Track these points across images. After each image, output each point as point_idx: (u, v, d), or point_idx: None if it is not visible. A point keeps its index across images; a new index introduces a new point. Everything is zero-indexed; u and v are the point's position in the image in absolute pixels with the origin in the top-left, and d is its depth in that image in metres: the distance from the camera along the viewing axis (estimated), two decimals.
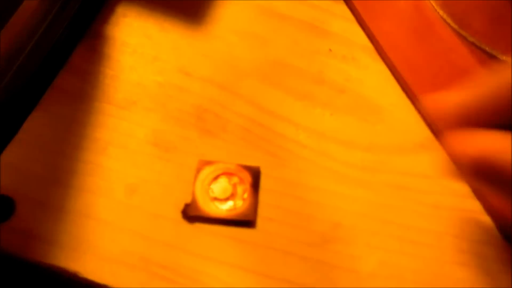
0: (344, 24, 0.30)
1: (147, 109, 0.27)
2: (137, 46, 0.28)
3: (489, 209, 0.25)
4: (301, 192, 0.25)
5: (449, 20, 0.28)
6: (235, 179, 0.25)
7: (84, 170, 0.24)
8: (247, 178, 0.25)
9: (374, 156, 0.26)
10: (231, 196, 0.24)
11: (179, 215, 0.24)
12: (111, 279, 0.22)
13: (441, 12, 0.28)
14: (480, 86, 0.19)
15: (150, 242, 0.23)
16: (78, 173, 0.24)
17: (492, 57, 0.27)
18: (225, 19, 0.29)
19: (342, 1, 0.30)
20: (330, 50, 0.29)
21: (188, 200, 0.24)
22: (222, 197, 0.24)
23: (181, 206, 0.24)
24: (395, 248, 0.24)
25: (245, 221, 0.24)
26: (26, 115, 0.26)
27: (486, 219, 0.25)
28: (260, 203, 0.24)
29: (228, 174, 0.25)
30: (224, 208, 0.24)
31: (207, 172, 0.25)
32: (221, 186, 0.25)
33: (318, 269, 0.23)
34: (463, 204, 0.25)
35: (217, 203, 0.24)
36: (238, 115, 0.27)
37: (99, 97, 0.27)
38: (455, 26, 0.28)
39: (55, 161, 0.24)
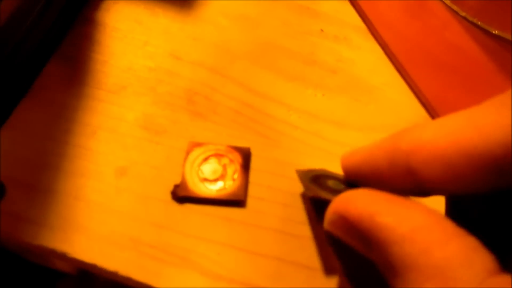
0: (336, 4, 0.29)
1: (137, 93, 0.26)
2: (127, 31, 0.28)
3: None
4: (292, 172, 0.25)
5: None
6: (225, 160, 0.25)
7: (74, 153, 0.24)
8: (237, 159, 0.25)
9: (366, 136, 0.26)
10: (221, 177, 0.24)
11: (168, 197, 0.24)
12: (99, 259, 0.21)
13: None
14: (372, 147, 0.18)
15: (139, 223, 0.23)
16: (68, 157, 0.24)
17: (486, 32, 0.27)
18: (215, 2, 0.29)
19: None
20: (321, 30, 0.29)
21: (178, 181, 0.24)
22: (212, 178, 0.24)
23: (171, 188, 0.24)
24: None
25: (235, 201, 0.23)
26: (18, 102, 0.26)
27: None
28: (250, 183, 0.24)
29: (218, 155, 0.25)
30: (214, 189, 0.24)
31: (197, 153, 0.25)
32: (211, 167, 0.24)
33: (309, 246, 0.23)
34: None
35: (207, 184, 0.24)
36: (228, 98, 0.27)
37: (89, 82, 0.27)
38: (448, 2, 0.27)
39: (46, 146, 0.24)
